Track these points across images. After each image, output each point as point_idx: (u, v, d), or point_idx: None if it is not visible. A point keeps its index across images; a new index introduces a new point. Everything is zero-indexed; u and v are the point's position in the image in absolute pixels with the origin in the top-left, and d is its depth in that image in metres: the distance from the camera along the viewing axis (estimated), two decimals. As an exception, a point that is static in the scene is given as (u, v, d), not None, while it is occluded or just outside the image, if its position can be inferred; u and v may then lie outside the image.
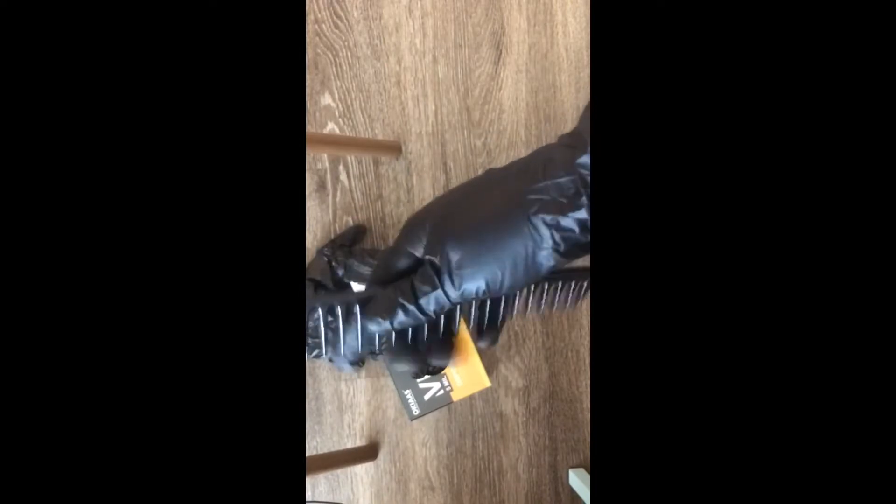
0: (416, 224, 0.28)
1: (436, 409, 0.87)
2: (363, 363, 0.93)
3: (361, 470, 0.95)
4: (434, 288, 0.27)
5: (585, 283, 0.32)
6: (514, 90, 0.94)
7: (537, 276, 0.27)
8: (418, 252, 0.28)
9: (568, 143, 0.27)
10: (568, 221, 0.25)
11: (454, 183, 0.94)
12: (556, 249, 0.26)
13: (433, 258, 0.27)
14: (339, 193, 0.94)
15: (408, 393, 0.85)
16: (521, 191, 0.26)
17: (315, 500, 0.95)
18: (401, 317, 0.28)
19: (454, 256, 0.26)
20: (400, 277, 0.29)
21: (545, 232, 0.26)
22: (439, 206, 0.29)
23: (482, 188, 0.28)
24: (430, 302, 0.27)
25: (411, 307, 0.27)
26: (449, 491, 0.95)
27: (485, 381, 0.85)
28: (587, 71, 0.94)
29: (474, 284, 0.27)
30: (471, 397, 0.92)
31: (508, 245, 0.26)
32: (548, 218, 0.25)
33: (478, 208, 0.27)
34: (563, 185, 0.25)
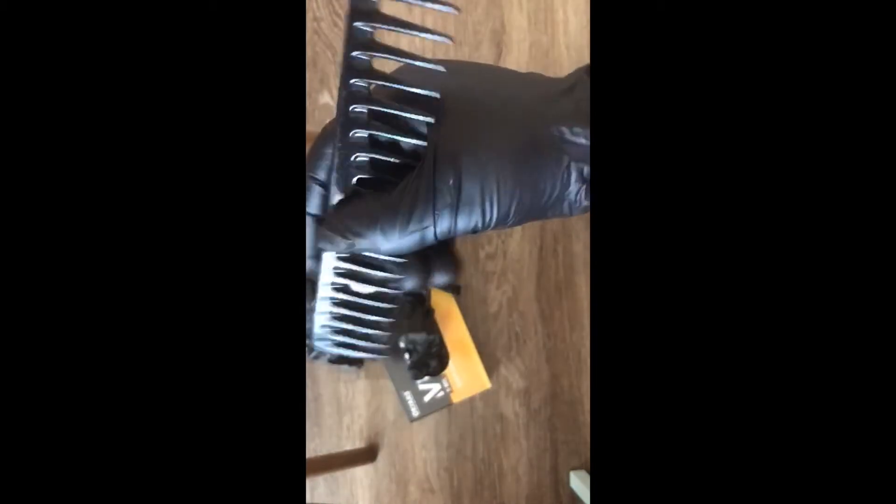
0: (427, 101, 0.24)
1: (435, 411, 0.86)
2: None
3: (361, 472, 0.94)
4: (426, 216, 0.23)
5: None
6: (514, 88, 0.93)
7: (538, 219, 0.24)
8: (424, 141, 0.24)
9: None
10: None
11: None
12: (574, 202, 0.23)
13: (440, 179, 0.22)
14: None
15: (407, 394, 0.85)
16: (562, 131, 0.22)
17: (314, 502, 0.94)
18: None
19: (468, 187, 0.22)
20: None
21: (574, 186, 0.23)
22: (457, 100, 0.24)
23: (510, 103, 0.24)
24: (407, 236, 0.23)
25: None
26: (449, 493, 0.94)
27: (485, 383, 0.85)
28: (588, 69, 0.93)
29: (471, 223, 0.23)
30: (471, 399, 0.91)
31: (532, 188, 0.23)
32: (586, 170, 0.22)
33: (505, 136, 0.23)
34: None
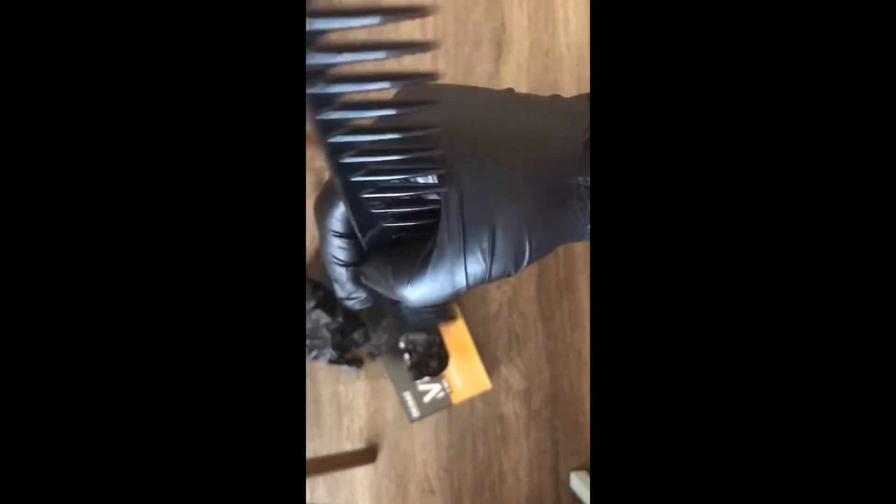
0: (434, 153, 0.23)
1: (435, 412, 0.86)
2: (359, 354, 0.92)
3: (360, 473, 0.94)
4: (459, 275, 0.23)
5: None
6: (514, 88, 0.93)
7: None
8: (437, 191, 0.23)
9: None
10: None
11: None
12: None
13: (479, 241, 0.22)
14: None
15: (407, 395, 0.85)
16: (581, 180, 0.22)
17: (314, 503, 0.94)
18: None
19: (500, 245, 0.22)
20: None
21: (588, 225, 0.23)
22: (468, 143, 0.23)
23: (528, 144, 0.23)
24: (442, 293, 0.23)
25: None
26: (449, 494, 0.94)
27: (485, 383, 0.84)
28: (588, 69, 0.93)
29: (499, 272, 0.23)
30: (471, 399, 0.91)
31: (560, 227, 0.23)
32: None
33: (529, 190, 0.22)
34: None
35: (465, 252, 0.22)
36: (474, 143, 0.23)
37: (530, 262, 0.23)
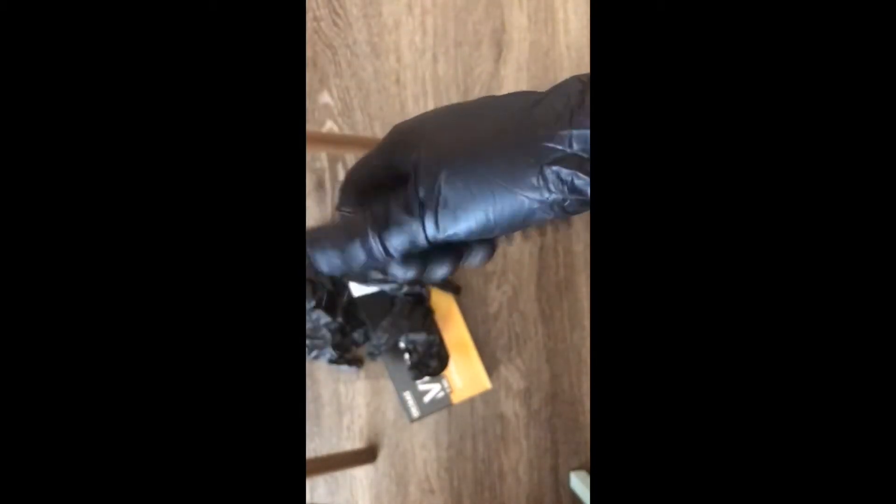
0: (406, 134, 0.27)
1: (435, 412, 0.86)
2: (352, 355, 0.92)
3: (360, 472, 0.94)
4: (413, 219, 0.25)
5: None
6: (514, 88, 0.93)
7: (526, 226, 0.26)
8: (404, 167, 0.27)
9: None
10: (582, 183, 0.23)
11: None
12: (561, 206, 0.24)
13: (421, 186, 0.25)
14: (337, 193, 0.94)
15: (407, 395, 0.85)
16: (537, 134, 0.24)
17: (314, 503, 0.94)
18: (357, 250, 0.26)
19: (447, 193, 0.25)
20: (376, 190, 0.28)
21: (556, 187, 0.24)
22: (436, 122, 0.27)
23: (488, 115, 0.26)
24: (400, 236, 0.26)
25: (373, 240, 0.26)
26: (449, 494, 0.94)
27: (485, 383, 0.84)
28: (588, 69, 0.93)
29: (458, 228, 0.25)
30: (471, 399, 0.91)
31: (510, 193, 0.24)
32: (564, 173, 0.23)
33: (482, 142, 0.25)
34: (588, 138, 0.23)
35: (420, 201, 0.26)
36: (432, 130, 0.27)
37: (481, 223, 0.25)
